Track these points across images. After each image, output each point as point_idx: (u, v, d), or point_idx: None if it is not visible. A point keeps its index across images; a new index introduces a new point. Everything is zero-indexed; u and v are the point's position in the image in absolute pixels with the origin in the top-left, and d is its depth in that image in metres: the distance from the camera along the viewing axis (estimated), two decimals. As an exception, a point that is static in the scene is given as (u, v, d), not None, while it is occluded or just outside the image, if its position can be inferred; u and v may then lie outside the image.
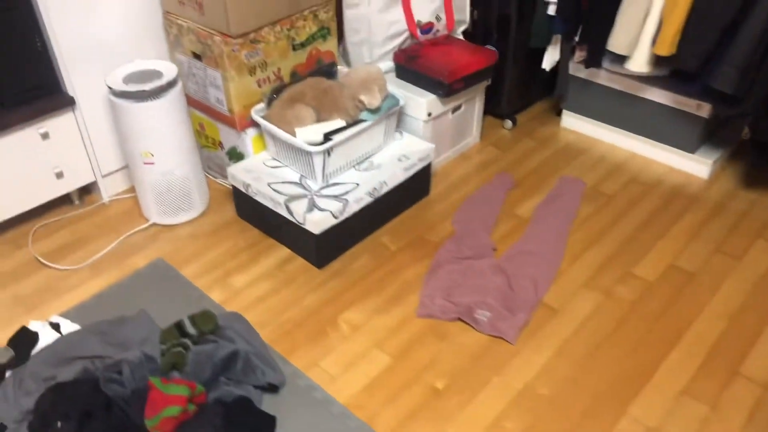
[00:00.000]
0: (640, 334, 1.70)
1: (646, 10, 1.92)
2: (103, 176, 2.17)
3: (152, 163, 1.96)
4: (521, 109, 2.69)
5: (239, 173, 2.00)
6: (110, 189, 2.22)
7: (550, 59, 2.34)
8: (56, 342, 1.60)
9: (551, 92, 2.75)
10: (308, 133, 1.91)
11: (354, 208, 1.92)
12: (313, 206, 1.86)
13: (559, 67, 2.40)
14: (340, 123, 1.95)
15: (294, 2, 1.96)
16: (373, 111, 1.96)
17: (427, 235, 2.06)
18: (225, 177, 2.25)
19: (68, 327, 1.67)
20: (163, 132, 1.92)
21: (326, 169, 1.94)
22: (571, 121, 2.56)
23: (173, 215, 2.08)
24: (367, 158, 2.06)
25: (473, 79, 2.16)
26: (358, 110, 1.96)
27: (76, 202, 2.20)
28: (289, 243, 1.99)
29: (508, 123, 2.57)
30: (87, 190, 2.23)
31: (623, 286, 1.85)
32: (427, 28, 2.22)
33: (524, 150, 2.47)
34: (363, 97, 1.91)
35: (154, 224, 2.10)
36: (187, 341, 1.52)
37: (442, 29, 2.27)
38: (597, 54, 2.15)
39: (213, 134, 2.18)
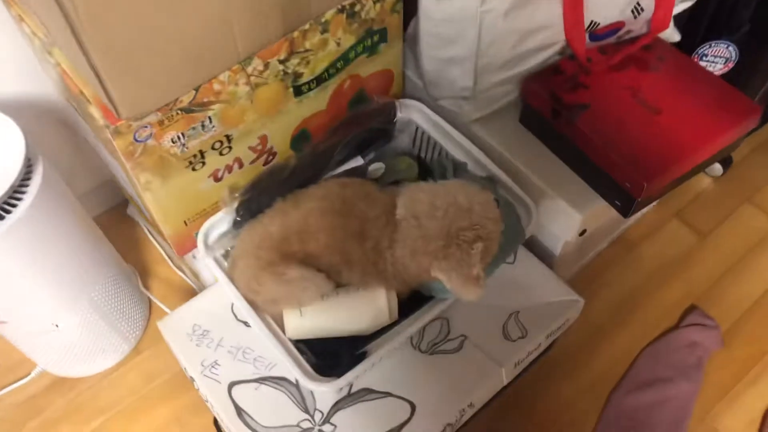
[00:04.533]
0: None
1: None
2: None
3: (4, 323, 0.97)
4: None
5: (180, 343, 0.99)
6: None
7: None
8: None
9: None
10: (305, 329, 0.86)
11: (400, 474, 0.92)
12: (312, 484, 0.88)
13: None
14: (381, 316, 0.87)
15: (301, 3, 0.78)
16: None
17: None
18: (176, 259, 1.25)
19: None
20: (14, 281, 0.90)
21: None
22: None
23: (76, 366, 1.14)
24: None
25: (695, 172, 0.97)
26: (422, 279, 0.86)
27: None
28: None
29: (717, 167, 1.37)
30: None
31: None
32: (607, 31, 0.98)
33: (742, 236, 1.31)
34: (441, 275, 0.80)
35: (45, 373, 1.16)
36: None
37: (640, 29, 1.02)
38: None
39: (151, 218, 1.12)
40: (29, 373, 1.14)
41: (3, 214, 0.83)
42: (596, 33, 0.97)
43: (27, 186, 0.86)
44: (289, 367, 0.83)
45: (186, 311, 1.02)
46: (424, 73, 1.02)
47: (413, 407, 0.93)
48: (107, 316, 1.07)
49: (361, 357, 0.85)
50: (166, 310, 1.17)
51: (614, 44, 1.02)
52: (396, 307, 0.88)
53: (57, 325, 1.00)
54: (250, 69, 0.80)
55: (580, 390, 1.13)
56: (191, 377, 0.97)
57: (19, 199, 0.85)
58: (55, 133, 1.12)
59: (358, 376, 0.85)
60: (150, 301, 1.22)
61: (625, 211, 0.93)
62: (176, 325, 1.01)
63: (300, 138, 0.96)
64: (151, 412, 1.12)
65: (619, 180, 0.91)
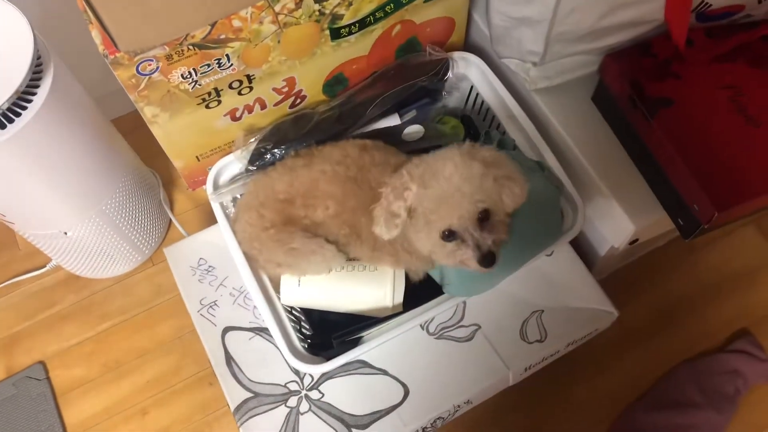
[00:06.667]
0: None
1: None
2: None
3: (12, 223, 0.95)
4: None
5: (183, 275, 0.96)
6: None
7: None
8: None
9: None
10: (300, 298, 0.80)
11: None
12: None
13: None
14: (384, 302, 0.79)
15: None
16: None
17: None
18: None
19: None
20: (19, 186, 0.87)
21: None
22: None
23: (89, 269, 1.13)
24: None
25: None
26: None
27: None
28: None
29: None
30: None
31: None
32: (720, 13, 0.80)
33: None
34: (433, 252, 0.70)
35: (59, 268, 1.16)
36: None
37: (765, 15, 0.83)
38: None
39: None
40: (45, 265, 1.14)
41: (11, 116, 0.78)
42: (706, 13, 0.80)
43: (37, 86, 0.80)
44: (276, 340, 0.78)
45: (194, 242, 0.98)
46: (491, 26, 0.88)
47: (407, 391, 0.88)
48: (119, 228, 1.04)
49: (355, 342, 0.80)
50: (183, 231, 1.13)
51: (726, 26, 0.84)
52: (401, 294, 0.80)
53: (66, 233, 0.98)
54: (278, 7, 0.69)
55: (595, 396, 1.05)
56: (189, 312, 0.94)
57: (28, 101, 0.79)
58: (74, 27, 0.94)
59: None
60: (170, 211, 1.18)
61: (687, 233, 0.80)
62: (182, 255, 0.97)
63: (334, 82, 0.85)
64: (155, 326, 1.12)
65: (687, 199, 0.77)
